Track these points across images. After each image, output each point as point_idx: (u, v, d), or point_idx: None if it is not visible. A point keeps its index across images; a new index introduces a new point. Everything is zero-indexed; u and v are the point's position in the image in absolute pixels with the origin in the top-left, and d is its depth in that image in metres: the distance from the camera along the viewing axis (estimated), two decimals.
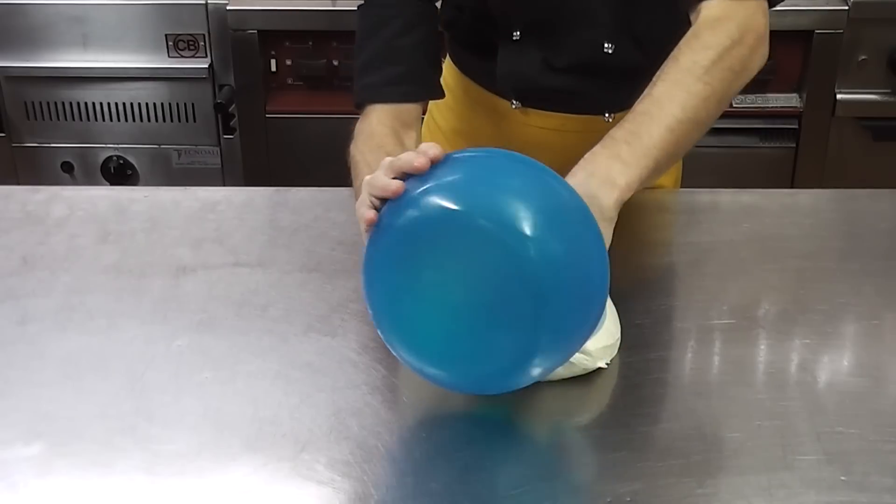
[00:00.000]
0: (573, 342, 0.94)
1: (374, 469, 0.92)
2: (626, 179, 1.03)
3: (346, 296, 1.13)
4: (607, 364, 1.03)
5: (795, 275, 1.20)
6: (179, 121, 2.28)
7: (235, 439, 0.95)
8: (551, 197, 0.92)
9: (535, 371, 0.93)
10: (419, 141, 1.27)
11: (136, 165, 2.34)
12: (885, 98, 2.22)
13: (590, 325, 0.94)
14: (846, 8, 2.13)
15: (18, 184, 2.17)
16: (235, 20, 2.19)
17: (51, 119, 2.29)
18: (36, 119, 2.29)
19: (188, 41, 2.21)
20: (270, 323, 1.10)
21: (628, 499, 0.89)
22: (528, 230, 0.88)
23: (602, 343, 1.02)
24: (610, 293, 1.07)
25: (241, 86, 2.25)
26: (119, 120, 2.29)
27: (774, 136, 2.26)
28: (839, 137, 2.25)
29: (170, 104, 2.27)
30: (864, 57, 2.18)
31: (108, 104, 2.27)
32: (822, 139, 2.25)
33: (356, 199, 1.03)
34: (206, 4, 2.18)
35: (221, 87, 2.25)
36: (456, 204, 0.89)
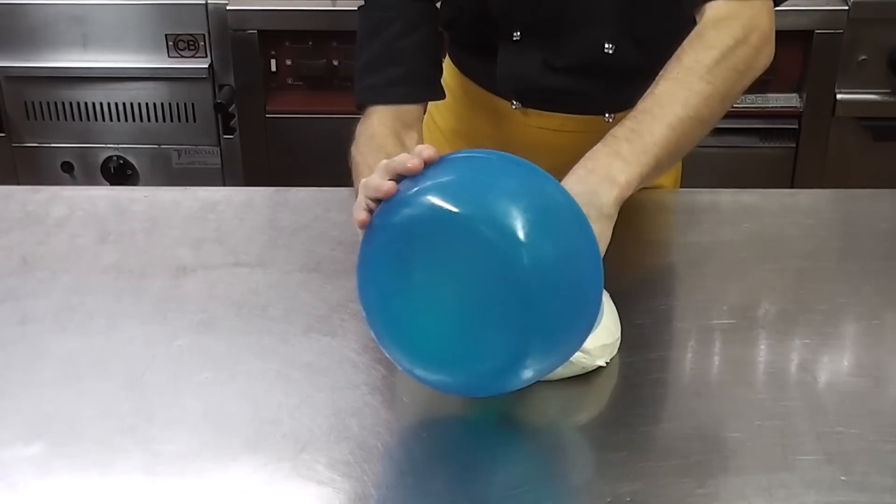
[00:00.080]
0: (565, 346, 0.93)
1: (374, 469, 0.92)
2: (626, 177, 1.03)
3: (346, 296, 1.13)
4: (606, 363, 1.02)
5: (795, 275, 1.20)
6: (179, 121, 2.28)
7: (235, 439, 0.95)
8: (543, 199, 0.91)
9: (527, 374, 0.92)
10: (420, 142, 1.27)
11: (136, 165, 2.34)
12: (885, 98, 2.22)
13: (583, 328, 0.93)
14: (846, 8, 2.13)
15: (18, 184, 2.17)
16: (235, 20, 2.19)
17: (51, 119, 2.29)
18: (36, 119, 2.29)
19: (188, 41, 2.21)
20: (270, 323, 1.10)
21: (628, 499, 0.89)
22: (517, 232, 0.87)
23: (601, 341, 1.01)
24: (610, 293, 1.07)
25: (241, 86, 2.25)
26: (119, 120, 2.29)
27: (774, 136, 2.26)
28: (839, 137, 2.25)
29: (170, 104, 2.27)
30: (864, 57, 2.18)
31: (108, 104, 2.27)
32: (822, 139, 2.25)
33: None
34: (206, 4, 2.18)
35: (221, 87, 2.25)
36: (445, 204, 0.88)
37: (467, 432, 0.98)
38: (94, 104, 2.27)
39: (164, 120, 2.28)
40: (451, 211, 0.88)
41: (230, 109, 2.26)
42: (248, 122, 2.29)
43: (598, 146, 1.06)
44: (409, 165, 0.92)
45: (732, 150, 2.26)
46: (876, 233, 1.29)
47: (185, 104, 2.27)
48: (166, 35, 2.20)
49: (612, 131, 1.07)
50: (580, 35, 1.31)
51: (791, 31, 2.10)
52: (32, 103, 2.28)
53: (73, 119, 2.29)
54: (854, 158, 2.27)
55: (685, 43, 1.13)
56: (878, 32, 2.17)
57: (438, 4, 1.33)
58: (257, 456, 0.93)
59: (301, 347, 1.07)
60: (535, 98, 1.37)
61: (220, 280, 1.18)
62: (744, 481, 0.91)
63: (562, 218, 0.91)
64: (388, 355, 0.96)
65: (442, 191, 0.90)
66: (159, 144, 2.31)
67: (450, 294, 0.91)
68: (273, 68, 2.25)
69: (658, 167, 1.06)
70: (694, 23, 1.16)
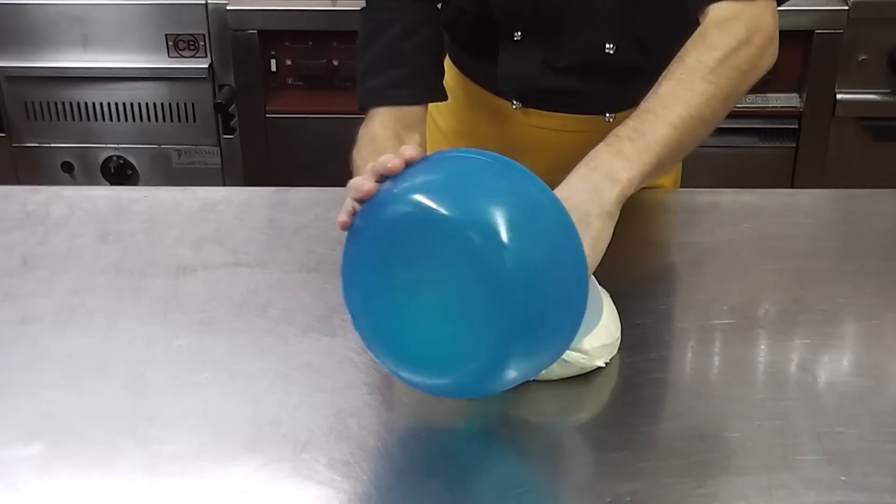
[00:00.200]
0: (550, 347, 0.92)
1: (374, 469, 0.92)
2: (628, 175, 1.03)
3: None
4: (606, 363, 1.02)
5: (795, 275, 1.20)
6: (179, 121, 2.28)
7: (235, 439, 0.95)
8: (526, 198, 0.89)
9: (511, 374, 0.90)
10: (423, 143, 1.27)
11: (136, 165, 2.34)
12: (885, 98, 2.22)
13: (568, 329, 0.91)
14: (846, 8, 2.13)
15: (18, 184, 2.17)
16: (235, 20, 2.19)
17: (51, 119, 2.29)
18: (36, 119, 2.29)
19: (188, 41, 2.21)
20: (270, 323, 1.10)
21: (628, 499, 0.89)
22: (496, 231, 0.85)
23: (600, 342, 1.01)
24: (610, 293, 1.07)
25: (241, 86, 2.25)
26: (119, 120, 2.29)
27: (774, 136, 2.26)
28: (839, 137, 2.25)
29: (170, 104, 2.27)
30: (864, 57, 2.18)
31: (108, 104, 2.27)
32: (822, 139, 2.25)
33: None
34: (206, 4, 2.18)
35: (221, 87, 2.25)
36: (423, 203, 0.87)
37: (467, 432, 0.98)
38: (94, 104, 2.27)
39: (164, 120, 2.28)
40: (429, 210, 0.87)
41: (230, 109, 2.26)
42: (248, 122, 2.29)
43: (601, 145, 1.06)
44: (389, 165, 0.92)
45: (732, 150, 2.26)
46: (876, 233, 1.29)
47: (185, 104, 2.27)
48: (166, 35, 2.20)
49: (614, 131, 1.07)
50: (581, 35, 1.31)
51: (791, 31, 2.10)
52: (32, 103, 2.28)
53: (73, 119, 2.29)
54: (854, 158, 2.27)
55: (688, 44, 1.13)
56: (878, 32, 2.17)
57: (439, 5, 1.33)
58: (257, 456, 0.93)
59: (301, 347, 1.07)
60: (536, 98, 1.37)
61: (220, 280, 1.18)
62: (744, 481, 0.91)
63: (544, 218, 0.89)
64: (373, 357, 0.95)
65: (420, 190, 0.88)
66: (159, 144, 2.31)
67: (430, 294, 0.89)
68: (273, 68, 2.25)
69: (660, 166, 1.06)
70: (697, 24, 1.16)
